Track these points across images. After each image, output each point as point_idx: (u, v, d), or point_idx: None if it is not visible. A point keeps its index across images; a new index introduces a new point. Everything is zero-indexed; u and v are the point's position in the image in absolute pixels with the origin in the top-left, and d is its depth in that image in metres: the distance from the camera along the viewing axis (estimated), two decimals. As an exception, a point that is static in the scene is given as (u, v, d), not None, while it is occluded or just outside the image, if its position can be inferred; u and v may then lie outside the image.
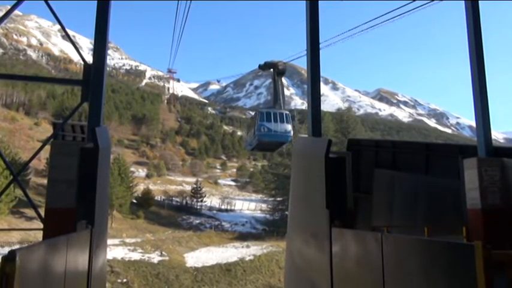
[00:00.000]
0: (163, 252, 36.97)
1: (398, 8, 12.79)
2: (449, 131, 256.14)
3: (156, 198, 66.09)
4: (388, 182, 13.08)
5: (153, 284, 31.20)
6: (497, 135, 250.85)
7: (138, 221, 52.72)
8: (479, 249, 3.77)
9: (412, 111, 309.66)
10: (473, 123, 9.11)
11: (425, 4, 11.37)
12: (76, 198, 6.99)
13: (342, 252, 7.24)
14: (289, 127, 20.95)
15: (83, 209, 6.91)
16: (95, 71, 8.07)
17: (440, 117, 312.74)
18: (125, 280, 30.49)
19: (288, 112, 22.21)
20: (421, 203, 11.94)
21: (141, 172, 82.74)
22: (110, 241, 37.69)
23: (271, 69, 22.30)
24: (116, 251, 34.77)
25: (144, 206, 58.87)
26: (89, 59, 8.34)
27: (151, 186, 70.24)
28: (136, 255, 34.92)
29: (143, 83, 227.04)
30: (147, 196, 62.04)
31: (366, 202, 13.54)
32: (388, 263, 5.43)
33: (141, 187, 65.66)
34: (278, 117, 20.53)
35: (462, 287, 4.11)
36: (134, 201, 59.45)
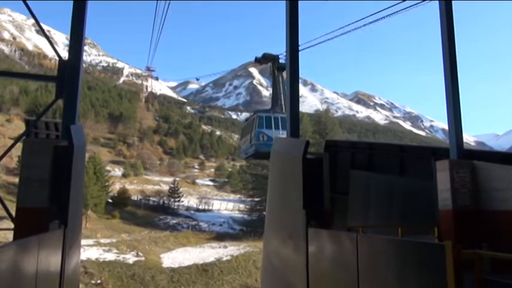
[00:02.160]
0: (139, 253, 36.42)
1: (377, 12, 13.05)
2: (423, 133, 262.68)
3: (132, 198, 65.11)
4: (364, 183, 13.32)
5: (128, 285, 30.69)
6: (469, 138, 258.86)
7: (113, 221, 51.75)
8: (449, 249, 3.90)
9: (388, 113, 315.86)
10: (446, 127, 9.37)
11: (406, 8, 11.64)
12: (49, 198, 6.82)
13: (318, 252, 7.32)
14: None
15: (55, 209, 6.75)
16: (70, 67, 7.88)
17: (415, 120, 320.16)
18: (99, 281, 29.88)
19: (285, 115, 18.39)
20: (395, 203, 12.20)
21: (118, 171, 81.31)
22: (84, 241, 36.91)
23: (270, 63, 19.47)
24: (90, 251, 34.06)
25: (120, 206, 57.86)
26: (64, 54, 8.15)
27: (127, 186, 69.12)
28: (111, 256, 34.28)
29: (121, 81, 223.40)
30: (123, 196, 61.03)
31: (342, 203, 13.74)
32: (362, 262, 5.54)
33: (117, 186, 64.52)
34: (280, 123, 17.62)
35: (433, 285, 4.24)
36: (110, 200, 58.37)
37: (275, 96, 19.13)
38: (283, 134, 16.55)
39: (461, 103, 9.00)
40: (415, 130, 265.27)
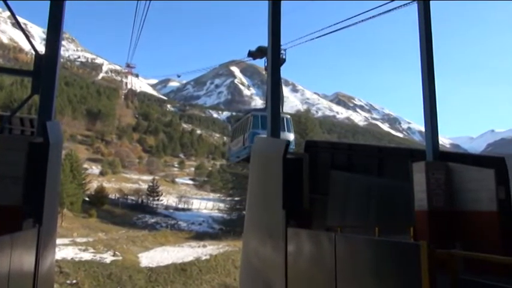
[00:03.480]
0: (116, 252, 35.87)
1: (359, 14, 13.22)
2: (401, 135, 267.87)
3: (110, 196, 63.95)
4: (343, 184, 13.47)
5: (104, 285, 30.16)
6: (445, 140, 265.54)
7: (90, 220, 50.73)
8: (424, 249, 3.99)
9: (367, 115, 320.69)
10: (423, 129, 9.59)
11: (389, 10, 11.83)
12: (23, 196, 6.65)
13: (296, 251, 7.38)
14: (291, 136, 16.71)
15: (30, 207, 6.59)
16: (47, 61, 7.70)
17: (393, 122, 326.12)
18: (74, 281, 29.27)
19: (289, 116, 18.00)
20: (373, 203, 12.39)
21: (95, 169, 79.80)
22: (59, 240, 36.06)
23: (265, 58, 18.05)
24: (65, 251, 33.33)
25: (97, 205, 56.75)
26: (41, 49, 7.95)
27: (105, 184, 67.87)
28: (87, 255, 33.64)
29: (99, 77, 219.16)
30: (100, 194, 59.86)
31: (321, 203, 13.87)
32: (340, 261, 5.61)
33: (94, 185, 63.26)
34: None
35: (408, 283, 4.33)
36: (86, 199, 57.16)
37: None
38: (282, 136, 14.91)
39: (438, 106, 9.22)
40: (393, 132, 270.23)
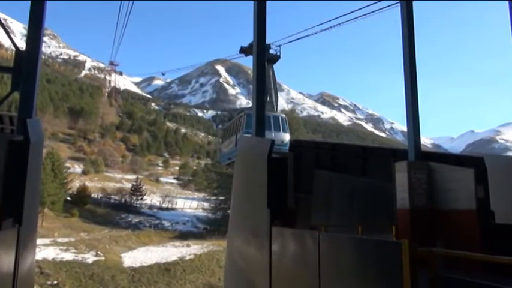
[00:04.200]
0: (98, 252, 35.41)
1: (345, 14, 13.34)
2: (384, 135, 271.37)
3: (92, 195, 63.05)
4: (327, 183, 13.59)
5: (86, 286, 29.76)
6: (426, 140, 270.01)
7: (72, 220, 49.88)
8: (405, 247, 4.06)
9: (351, 115, 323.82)
10: (406, 129, 9.74)
11: (374, 11, 11.96)
12: (2, 195, 6.50)
13: (281, 250, 7.41)
14: (286, 137, 16.08)
15: (9, 207, 6.45)
16: (28, 58, 7.54)
17: (376, 122, 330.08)
18: (55, 282, 28.80)
19: (284, 116, 17.40)
20: (357, 203, 12.55)
21: (77, 168, 78.51)
22: (39, 241, 35.38)
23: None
24: (46, 251, 32.75)
25: (79, 204, 55.83)
26: (22, 45, 7.79)
27: (87, 183, 66.86)
28: (68, 256, 33.13)
29: (82, 74, 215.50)
30: (82, 193, 58.91)
31: (306, 202, 13.96)
32: (324, 260, 5.66)
33: (76, 184, 62.28)
34: (272, 123, 15.54)
35: (390, 281, 4.40)
36: (68, 198, 56.22)
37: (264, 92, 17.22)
38: (276, 136, 14.69)
39: (420, 107, 9.38)
40: (376, 132, 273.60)
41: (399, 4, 9.96)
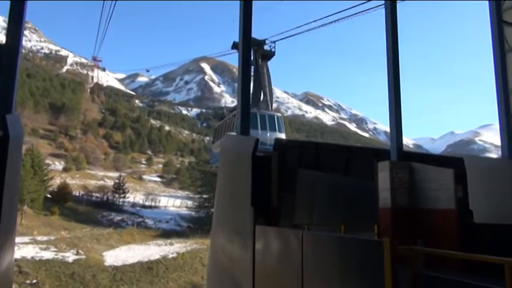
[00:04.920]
0: (79, 251, 34.89)
1: (332, 15, 13.45)
2: (367, 135, 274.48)
3: (74, 193, 62.00)
4: (311, 182, 13.69)
5: (66, 285, 29.30)
6: (408, 141, 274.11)
7: (52, 218, 48.98)
8: (387, 245, 4.13)
9: (335, 115, 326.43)
10: (388, 129, 9.87)
11: (361, 12, 12.09)
12: (-21, 192, 6.33)
13: (264, 249, 7.43)
14: (282, 137, 15.45)
15: (-13, 204, 6.28)
16: (7, 52, 7.35)
17: (360, 122, 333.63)
18: (34, 281, 28.26)
19: (280, 115, 16.85)
20: (340, 202, 12.67)
21: (58, 165, 77.05)
22: (18, 239, 34.66)
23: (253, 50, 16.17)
24: (25, 249, 32.12)
25: (60, 202, 54.84)
26: (1, 38, 7.60)
27: (68, 181, 65.74)
28: (48, 254, 32.55)
29: (64, 70, 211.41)
30: (63, 191, 57.89)
31: (290, 201, 14.03)
32: (307, 258, 5.71)
33: (57, 181, 61.13)
34: (267, 122, 15.13)
35: (371, 278, 4.47)
36: (49, 196, 55.15)
37: (257, 90, 16.27)
38: (272, 136, 14.09)
39: (402, 108, 9.52)
40: (359, 132, 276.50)
41: (383, 5, 10.09)
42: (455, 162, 9.88)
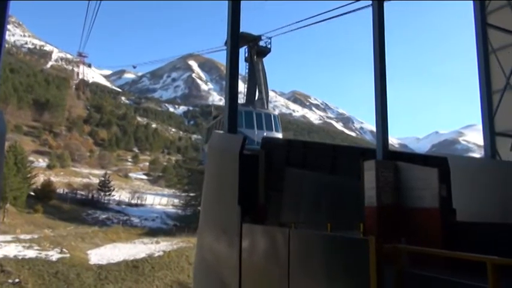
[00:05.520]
0: (63, 249, 34.40)
1: (318, 15, 13.50)
2: (354, 134, 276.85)
3: (58, 191, 61.06)
4: (298, 180, 13.72)
5: (50, 284, 28.87)
6: (394, 140, 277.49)
7: (35, 216, 48.16)
8: (372, 243, 4.18)
9: (322, 114, 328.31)
10: (374, 129, 9.97)
11: (348, 12, 12.16)
12: (-40, 189, 6.19)
13: (251, 247, 7.45)
14: (279, 136, 14.98)
15: (-32, 202, 6.15)
16: (-10, 47, 7.20)
17: (346, 121, 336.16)
18: (17, 280, 27.78)
19: (276, 113, 16.29)
20: (326, 200, 12.73)
21: (42, 162, 75.78)
22: (0, 237, 34.07)
23: (247, 47, 15.58)
24: (7, 248, 31.54)
25: (44, 200, 53.93)
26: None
27: (52, 178, 64.71)
28: (31, 253, 32.01)
29: (48, 65, 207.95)
30: (47, 188, 56.94)
31: (276, 199, 14.04)
32: (293, 256, 5.74)
33: (41, 178, 60.13)
34: (264, 121, 14.54)
35: (357, 276, 4.51)
36: (32, 193, 54.19)
37: (252, 87, 15.71)
38: (268, 135, 13.38)
39: (388, 108, 9.63)
40: (346, 131, 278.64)
41: (371, 6, 10.17)
42: (440, 161, 10.06)
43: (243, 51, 16.83)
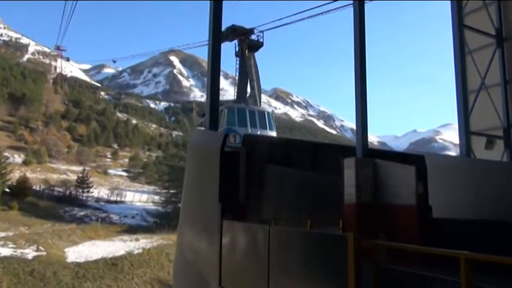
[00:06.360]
0: (39, 247, 33.67)
1: (301, 12, 13.54)
2: (334, 132, 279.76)
3: (34, 187, 59.67)
4: (279, 178, 13.78)
5: (26, 282, 28.23)
6: (373, 138, 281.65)
7: (10, 213, 46.95)
8: (350, 240, 4.24)
9: (304, 111, 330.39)
10: (355, 127, 10.09)
11: (332, 10, 12.23)
12: None
13: (231, 244, 7.45)
14: (273, 135, 14.47)
15: None
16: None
17: (327, 119, 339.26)
18: (-10, 279, 27.06)
19: (270, 111, 15.77)
20: (307, 197, 12.83)
21: (17, 158, 73.86)
22: (-27, 235, 33.05)
23: (237, 40, 14.90)
24: (-20, 246, 30.67)
25: (19, 196, 52.60)
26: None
27: (28, 174, 63.17)
28: (6, 251, 31.23)
29: (25, 58, 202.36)
30: (23, 185, 55.56)
31: (257, 196, 14.07)
32: (273, 252, 5.77)
33: (16, 175, 58.61)
34: (257, 119, 13.91)
35: (335, 272, 4.58)
36: (7, 190, 52.77)
37: (243, 84, 15.16)
38: (262, 133, 13.08)
39: (368, 106, 9.76)
40: (327, 128, 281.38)
41: (352, 5, 10.27)
42: (417, 159, 10.27)
43: (233, 46, 16.36)
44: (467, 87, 11.25)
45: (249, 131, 13.45)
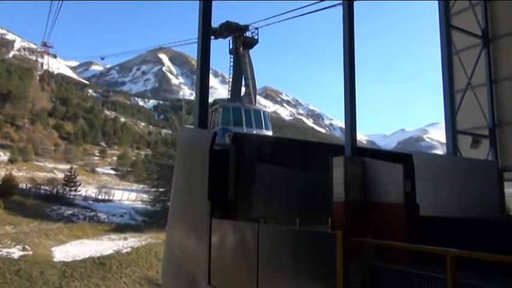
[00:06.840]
0: (26, 247, 33.21)
1: (291, 11, 13.57)
2: (324, 131, 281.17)
3: (20, 186, 58.76)
4: (268, 176, 13.80)
5: (12, 282, 27.81)
6: (362, 137, 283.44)
7: (-5, 212, 46.25)
8: (339, 237, 4.27)
9: (293, 110, 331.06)
10: (344, 126, 10.16)
11: (322, 9, 12.27)
12: None
13: (220, 242, 7.44)
14: (269, 134, 14.37)
15: None
16: None
17: (317, 118, 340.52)
18: (-25, 279, 26.61)
19: (266, 110, 15.74)
20: (296, 196, 12.89)
21: (3, 156, 72.69)
22: (-44, 235, 32.44)
23: (231, 37, 14.59)
24: (-35, 245, 30.13)
25: (5, 195, 51.74)
26: None
27: (14, 173, 62.21)
28: (-9, 251, 30.73)
29: (10, 55, 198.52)
30: (8, 183, 54.68)
31: (247, 194, 14.07)
32: (262, 251, 5.78)
33: (1, 173, 57.71)
34: (253, 118, 13.72)
35: (324, 269, 4.60)
36: (-8, 188, 51.96)
37: (238, 82, 14.87)
38: (258, 133, 12.85)
39: (357, 105, 9.83)
40: (316, 127, 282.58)
41: (341, 4, 10.33)
42: (405, 158, 10.38)
43: (224, 43, 16.21)
44: (454, 86, 11.40)
45: (245, 130, 13.29)
